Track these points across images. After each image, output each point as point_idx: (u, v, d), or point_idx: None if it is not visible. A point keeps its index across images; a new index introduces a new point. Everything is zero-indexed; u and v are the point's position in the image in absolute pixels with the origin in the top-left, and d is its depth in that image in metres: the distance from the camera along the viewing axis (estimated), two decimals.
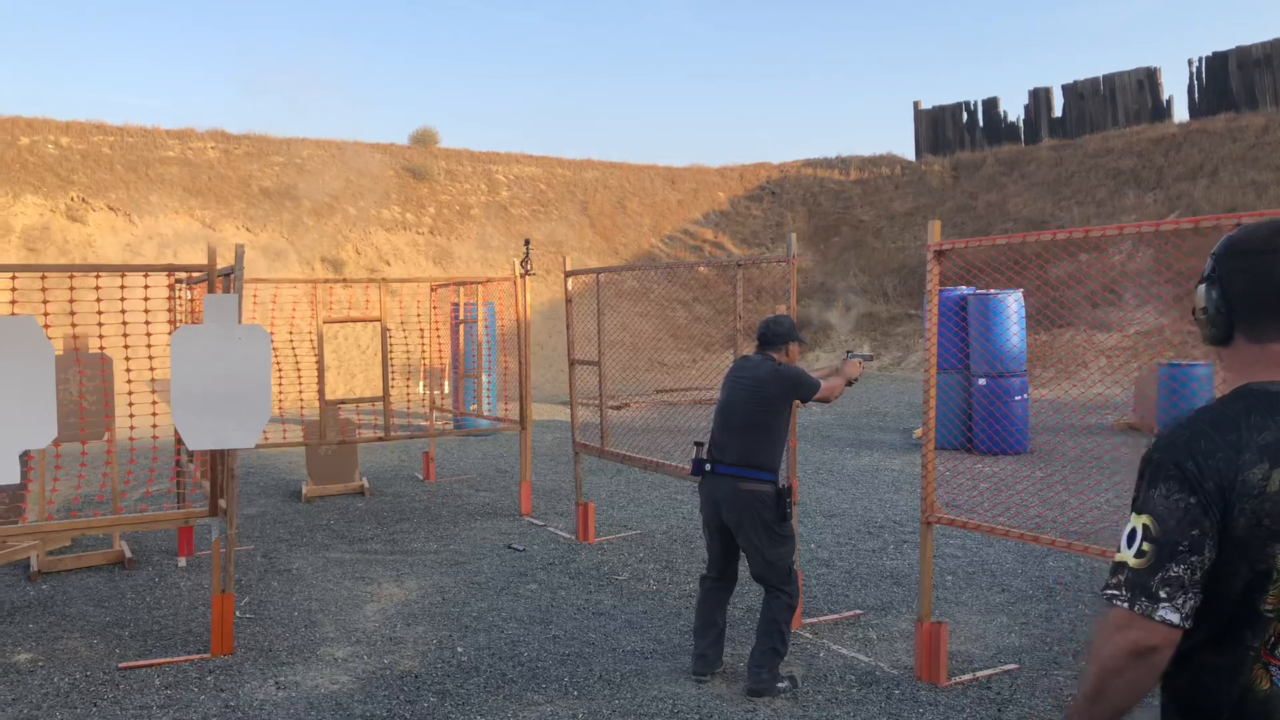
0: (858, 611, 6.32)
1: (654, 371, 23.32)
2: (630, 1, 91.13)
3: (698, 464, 5.21)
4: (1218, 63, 27.12)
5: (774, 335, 5.21)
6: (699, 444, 5.30)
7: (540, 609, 6.42)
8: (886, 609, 6.37)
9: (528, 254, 9.75)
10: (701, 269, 26.27)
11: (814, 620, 6.11)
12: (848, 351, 5.86)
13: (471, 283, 11.18)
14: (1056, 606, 6.37)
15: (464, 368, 11.80)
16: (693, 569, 7.34)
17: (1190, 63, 27.61)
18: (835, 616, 6.20)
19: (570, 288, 8.78)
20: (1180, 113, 28.16)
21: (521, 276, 9.49)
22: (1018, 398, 12.58)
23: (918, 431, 13.74)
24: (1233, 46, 26.99)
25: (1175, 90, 35.06)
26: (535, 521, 9.02)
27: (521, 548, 8.03)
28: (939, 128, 33.28)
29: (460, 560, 7.68)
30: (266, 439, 9.72)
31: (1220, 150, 25.16)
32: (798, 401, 5.22)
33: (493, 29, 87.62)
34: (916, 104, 33.77)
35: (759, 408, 5.03)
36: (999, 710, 4.77)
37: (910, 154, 34.53)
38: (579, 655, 5.56)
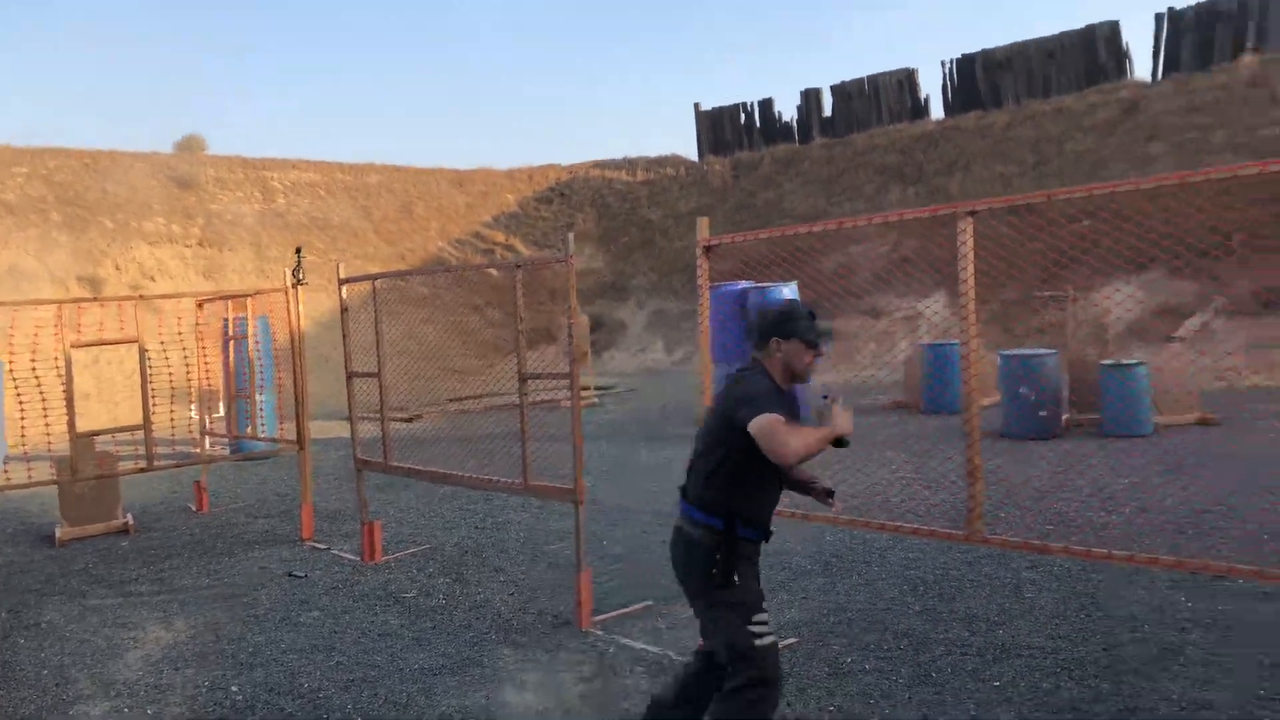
0: (648, 603, 6.38)
1: (447, 379, 22.91)
2: (415, 1, 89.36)
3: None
4: (966, 64, 29.17)
5: (755, 329, 3.84)
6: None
7: (322, 636, 6.14)
8: (676, 598, 6.44)
9: (299, 263, 9.33)
10: (493, 271, 26.02)
11: (604, 616, 6.12)
12: (824, 395, 3.84)
13: (240, 296, 10.60)
14: (833, 579, 6.64)
15: (235, 388, 11.18)
16: (483, 579, 7.22)
17: (943, 64, 29.57)
18: (623, 610, 6.24)
19: (345, 296, 8.46)
20: (936, 111, 30.11)
21: (294, 287, 9.08)
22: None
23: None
24: (978, 49, 29.12)
25: (931, 90, 37.49)
26: (318, 545, 8.65)
27: (303, 574, 7.66)
28: (719, 128, 34.29)
29: (235, 593, 7.25)
30: (9, 479, 8.88)
31: (972, 146, 27.08)
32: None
33: (267, 30, 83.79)
34: (697, 105, 34.66)
35: (711, 429, 3.82)
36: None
37: (694, 154, 35.44)
38: (363, 680, 5.34)
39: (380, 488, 10.85)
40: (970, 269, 4.27)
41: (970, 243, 4.23)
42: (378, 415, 8.08)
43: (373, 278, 8.32)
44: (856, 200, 27.98)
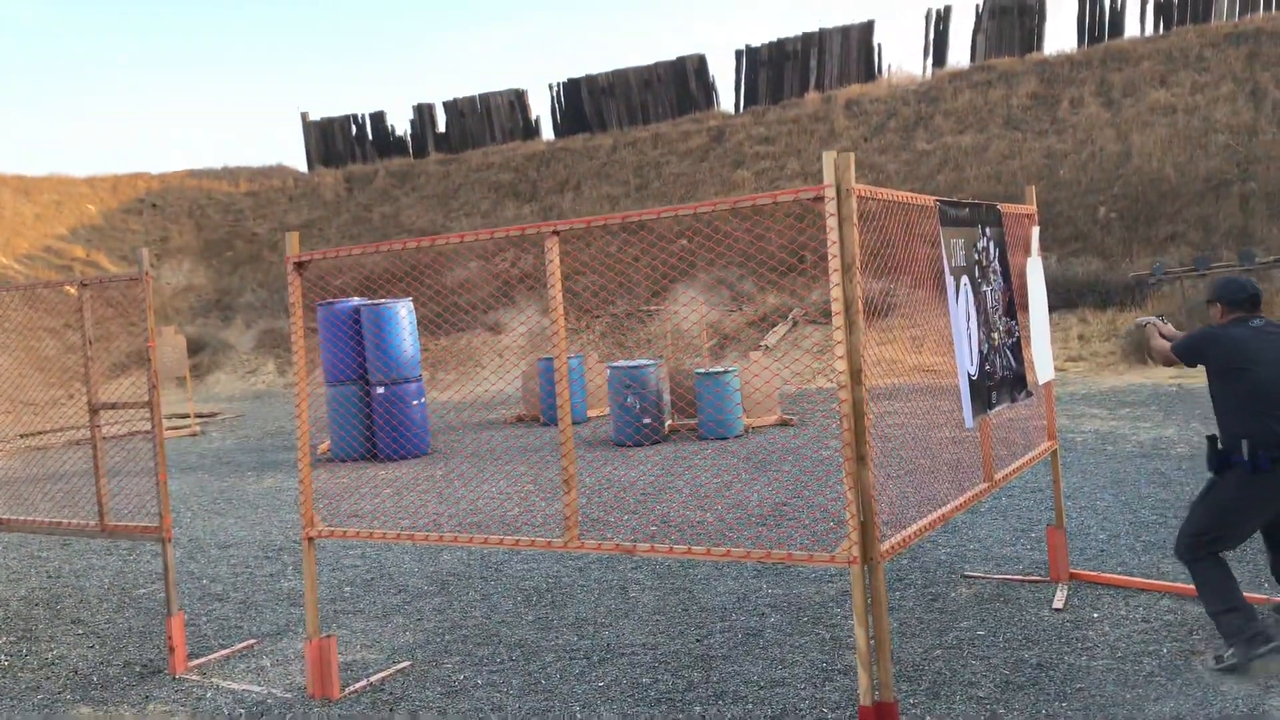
0: (252, 641, 6.00)
1: (16, 413, 20.20)
2: None
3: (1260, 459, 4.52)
4: (573, 88, 30.47)
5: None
6: (1212, 437, 4.76)
7: None
8: (283, 632, 6.13)
9: None
10: (70, 290, 23.26)
11: (200, 660, 5.66)
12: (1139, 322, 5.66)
13: None
14: (450, 598, 6.62)
15: None
16: (57, 633, 6.43)
17: (550, 87, 30.70)
18: (227, 651, 5.81)
19: None
20: (547, 132, 31.17)
21: None
22: (415, 402, 12.95)
23: (323, 446, 13.53)
24: (583, 74, 30.51)
25: (541, 111, 38.66)
26: None
27: None
28: (329, 139, 33.20)
29: None
30: None
31: (581, 166, 28.33)
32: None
33: None
34: (304, 115, 33.33)
35: None
36: (390, 710, 4.81)
37: (302, 165, 34.04)
38: None
39: None
40: (558, 285, 4.43)
41: (556, 260, 4.40)
42: None
43: None
44: (474, 216, 28.26)
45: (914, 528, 4.25)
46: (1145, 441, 10.06)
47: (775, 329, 20.67)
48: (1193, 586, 5.50)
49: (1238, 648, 4.51)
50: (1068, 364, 15.88)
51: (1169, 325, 5.51)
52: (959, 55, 27.85)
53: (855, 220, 3.84)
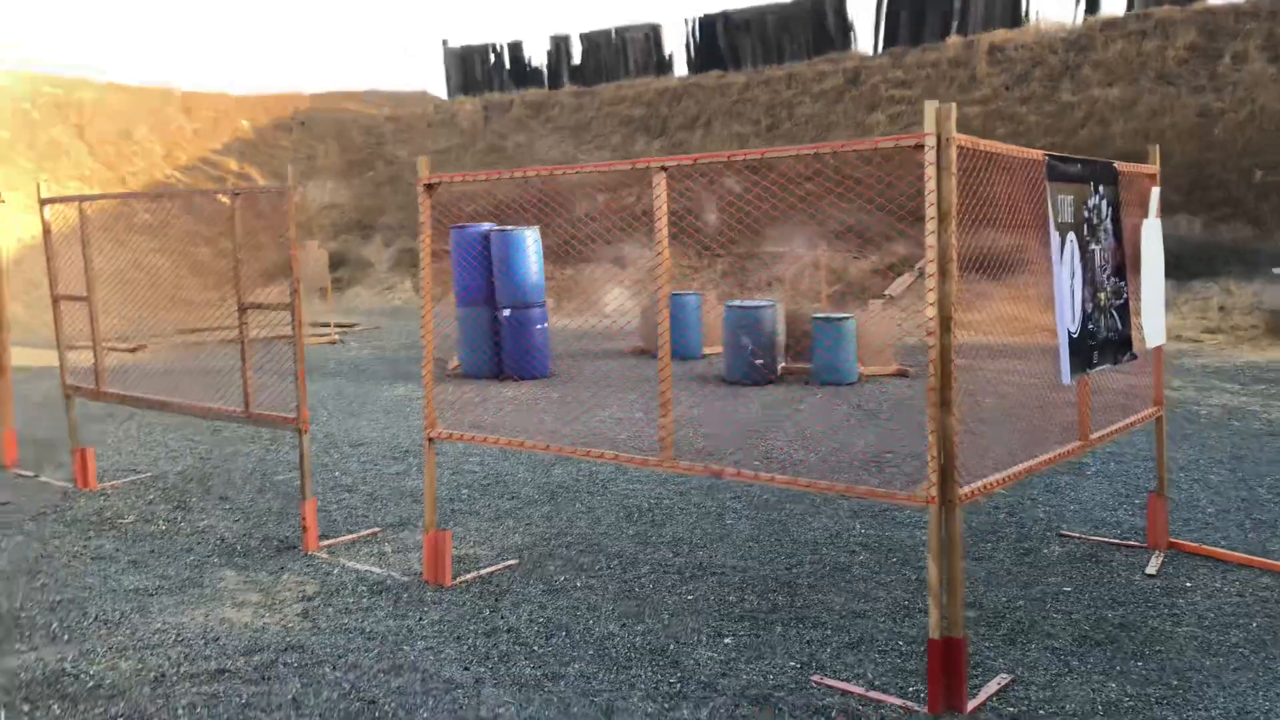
0: (376, 529, 6.56)
1: (177, 311, 21.64)
2: None
3: None
4: (709, 24, 30.24)
5: None
6: None
7: (27, 560, 5.91)
8: (404, 524, 6.67)
9: None
10: (223, 199, 24.61)
11: (330, 542, 6.24)
12: None
13: None
14: (558, 508, 7.06)
15: None
16: (208, 507, 7.13)
17: (686, 22, 30.54)
18: (352, 536, 6.39)
19: (49, 218, 7.95)
20: (680, 68, 31.10)
21: None
22: (538, 327, 13.44)
23: (453, 364, 14.19)
24: (719, 10, 30.25)
25: (676, 46, 38.42)
26: (24, 473, 8.19)
27: (4, 500, 7.26)
28: (468, 67, 33.84)
29: None
30: None
31: (712, 104, 28.24)
32: None
33: None
34: (445, 42, 34.04)
35: None
36: (496, 600, 5.26)
37: (443, 92, 34.82)
38: (72, 601, 5.24)
39: (99, 418, 10.31)
40: (664, 219, 4.68)
41: (664, 195, 4.64)
42: (91, 344, 7.72)
43: (78, 199, 7.88)
44: (605, 149, 28.56)
45: (997, 476, 4.42)
46: (1276, 420, 9.78)
47: (900, 279, 20.46)
48: None
49: None
50: (1204, 335, 15.33)
51: None
52: (1114, 2, 26.55)
53: (954, 170, 3.97)
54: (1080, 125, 21.63)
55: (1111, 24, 24.09)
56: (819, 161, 4.53)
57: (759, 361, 12.43)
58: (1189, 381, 12.00)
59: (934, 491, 3.96)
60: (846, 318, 12.69)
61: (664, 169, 4.68)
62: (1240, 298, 15.87)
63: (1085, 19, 25.27)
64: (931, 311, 4.00)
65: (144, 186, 26.77)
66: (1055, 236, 4.65)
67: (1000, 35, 25.41)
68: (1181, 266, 17.33)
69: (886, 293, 20.57)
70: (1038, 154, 4.63)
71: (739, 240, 22.31)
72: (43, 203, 7.88)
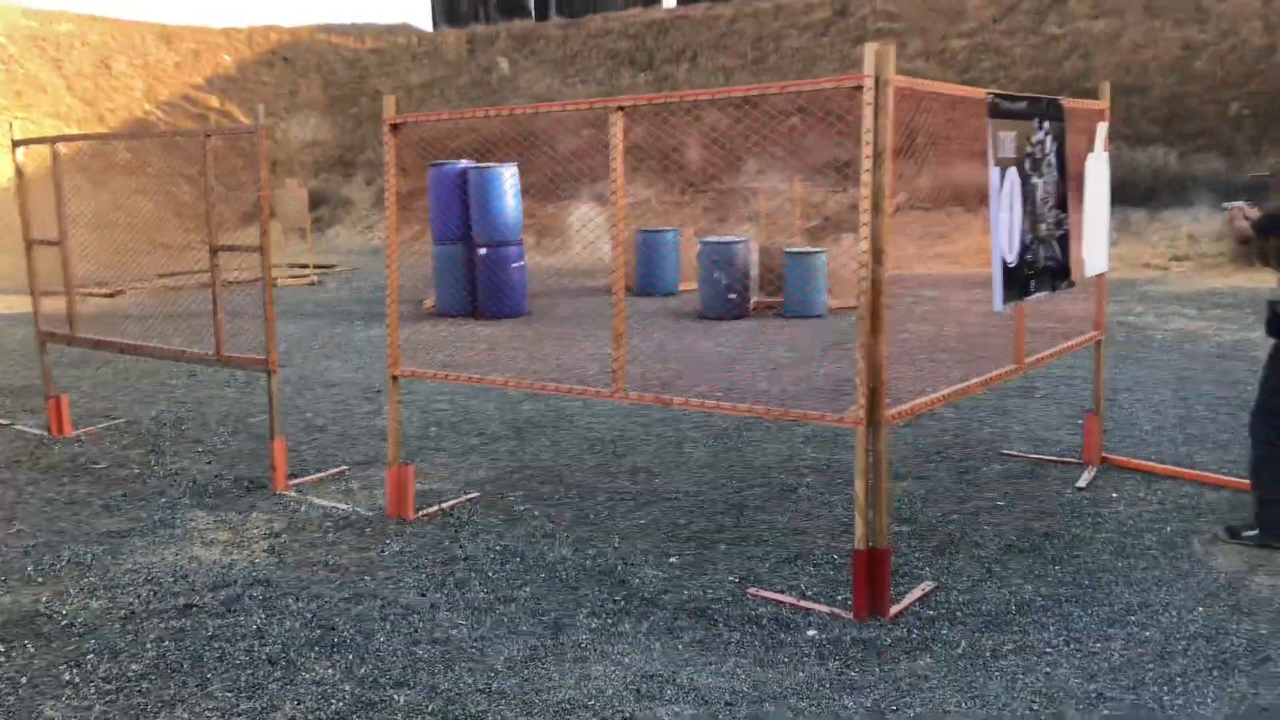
0: (344, 467, 6.75)
1: (159, 255, 21.65)
2: None
3: None
4: None
5: None
6: (1273, 302, 5.09)
7: (2, 507, 6.10)
8: (372, 462, 6.86)
9: None
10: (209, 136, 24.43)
11: (299, 480, 6.44)
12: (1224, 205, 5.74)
13: None
14: (523, 442, 7.25)
15: None
16: (181, 450, 7.31)
17: None
18: (321, 475, 6.58)
19: (23, 159, 8.00)
20: (669, 0, 30.69)
21: None
22: (514, 265, 13.54)
23: (428, 301, 14.31)
24: None
25: None
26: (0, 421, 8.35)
27: None
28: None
29: None
30: None
31: (699, 36, 27.96)
32: None
33: None
34: None
35: None
36: (456, 531, 5.47)
37: (427, 24, 34.40)
38: (45, 545, 5.43)
39: (74, 364, 10.44)
40: (619, 159, 4.79)
41: (620, 134, 4.75)
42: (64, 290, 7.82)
43: (52, 140, 7.92)
44: (590, 83, 28.32)
45: (923, 399, 4.60)
46: (1226, 343, 9.99)
47: None
48: (1220, 476, 5.75)
49: (1262, 534, 4.79)
50: (1172, 263, 15.51)
51: (1255, 210, 5.57)
52: None
53: (890, 110, 4.08)
54: (1064, 58, 21.53)
55: None
56: (802, 97, 4.61)
57: (732, 296, 12.58)
58: (1150, 307, 12.20)
59: (861, 414, 4.14)
60: (818, 252, 12.82)
61: (621, 109, 4.78)
62: (1209, 227, 16.01)
63: None
64: (864, 245, 4.14)
65: (124, 123, 26.57)
66: (995, 171, 4.78)
67: None
68: (1155, 197, 17.43)
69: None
70: (980, 93, 4.74)
71: (718, 176, 22.31)
72: (15, 144, 7.91)
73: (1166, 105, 19.12)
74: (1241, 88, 18.75)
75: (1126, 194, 17.62)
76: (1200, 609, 4.25)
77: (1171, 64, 19.68)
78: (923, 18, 24.90)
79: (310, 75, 32.06)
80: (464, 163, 13.96)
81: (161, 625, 4.44)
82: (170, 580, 4.92)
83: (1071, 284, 5.56)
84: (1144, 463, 6.15)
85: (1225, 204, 5.70)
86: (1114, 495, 5.68)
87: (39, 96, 25.43)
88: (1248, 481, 5.14)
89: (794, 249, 13.07)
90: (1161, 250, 16.04)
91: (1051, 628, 4.14)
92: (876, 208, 4.12)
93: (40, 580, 4.97)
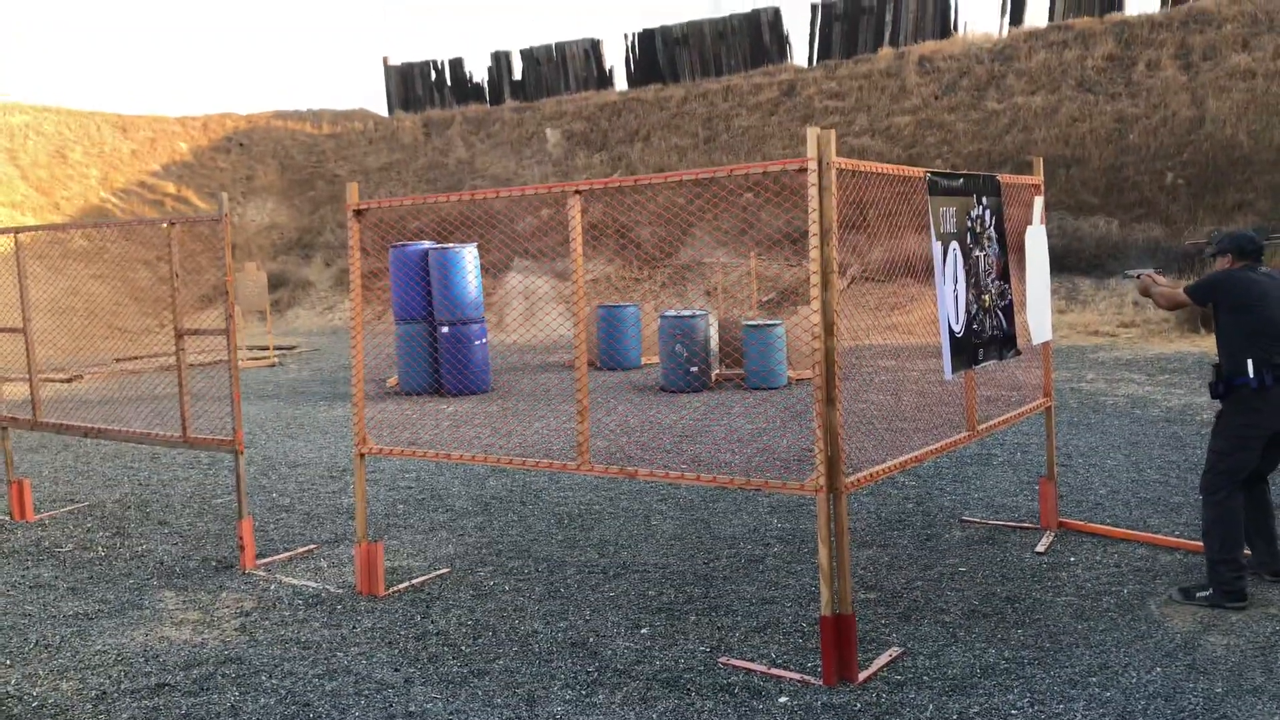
0: (312, 546, 6.77)
1: (116, 339, 21.52)
2: None
3: (1265, 376, 5.00)
4: (647, 38, 30.68)
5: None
6: (1217, 365, 5.22)
7: None
8: (340, 540, 6.89)
9: None
10: (162, 224, 24.49)
11: (267, 560, 6.44)
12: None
13: None
14: (490, 518, 7.31)
15: None
16: (147, 532, 7.28)
17: (625, 37, 30.94)
18: (289, 554, 6.59)
19: None
20: (620, 82, 31.49)
21: None
22: (477, 342, 13.66)
23: (392, 380, 14.37)
24: (658, 25, 30.71)
25: (616, 61, 38.90)
26: None
27: None
28: (409, 84, 33.96)
29: None
30: None
31: (651, 117, 28.65)
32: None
33: None
34: (385, 59, 34.14)
35: None
36: (427, 606, 5.51)
37: (383, 109, 34.90)
38: (12, 628, 5.39)
39: (33, 449, 10.37)
40: (578, 240, 4.98)
41: (578, 216, 4.94)
42: (25, 376, 7.82)
43: (14, 231, 7.99)
44: (545, 164, 28.83)
45: (882, 466, 4.77)
46: (1174, 407, 10.32)
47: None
48: (1173, 539, 5.96)
49: (1215, 594, 4.98)
50: (1119, 329, 15.98)
51: (1163, 276, 5.93)
52: (1037, 14, 27.42)
53: (834, 191, 4.32)
54: (1005, 131, 22.34)
55: (1034, 35, 24.90)
56: (754, 175, 4.83)
57: (694, 369, 12.78)
58: (1101, 374, 12.56)
59: (822, 481, 4.29)
60: (776, 324, 13.09)
61: (578, 192, 4.98)
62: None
63: (1010, 30, 26.08)
64: (816, 318, 4.34)
65: (80, 211, 26.57)
66: (938, 246, 5.03)
67: (930, 46, 26.12)
68: (1100, 265, 18.02)
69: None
70: (918, 172, 5.00)
71: (674, 252, 22.72)
72: None
73: (1105, 176, 19.87)
74: (1174, 158, 19.56)
75: (1073, 263, 18.23)
76: (1158, 669, 4.40)
77: (1107, 136, 20.52)
78: (867, 96, 25.76)
79: (267, 160, 32.32)
80: (426, 244, 14.16)
81: (134, 705, 4.44)
82: (141, 660, 4.91)
83: (1018, 352, 5.79)
84: (1100, 526, 6.35)
85: (1128, 271, 6.20)
86: (1072, 559, 5.85)
87: None
88: (1200, 543, 5.34)
89: (753, 322, 13.34)
90: (1109, 317, 16.55)
91: (1015, 690, 4.26)
92: (825, 283, 4.33)
93: (8, 663, 4.93)
